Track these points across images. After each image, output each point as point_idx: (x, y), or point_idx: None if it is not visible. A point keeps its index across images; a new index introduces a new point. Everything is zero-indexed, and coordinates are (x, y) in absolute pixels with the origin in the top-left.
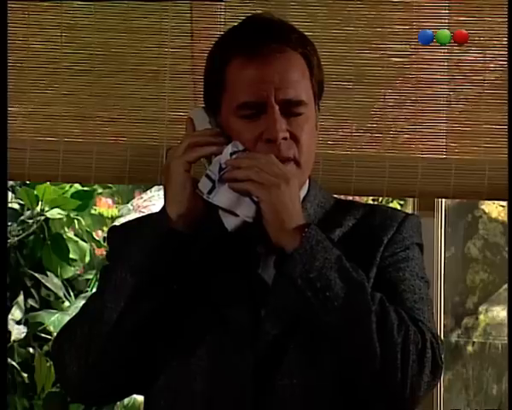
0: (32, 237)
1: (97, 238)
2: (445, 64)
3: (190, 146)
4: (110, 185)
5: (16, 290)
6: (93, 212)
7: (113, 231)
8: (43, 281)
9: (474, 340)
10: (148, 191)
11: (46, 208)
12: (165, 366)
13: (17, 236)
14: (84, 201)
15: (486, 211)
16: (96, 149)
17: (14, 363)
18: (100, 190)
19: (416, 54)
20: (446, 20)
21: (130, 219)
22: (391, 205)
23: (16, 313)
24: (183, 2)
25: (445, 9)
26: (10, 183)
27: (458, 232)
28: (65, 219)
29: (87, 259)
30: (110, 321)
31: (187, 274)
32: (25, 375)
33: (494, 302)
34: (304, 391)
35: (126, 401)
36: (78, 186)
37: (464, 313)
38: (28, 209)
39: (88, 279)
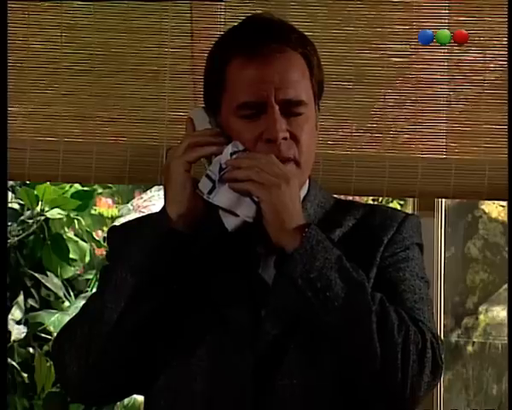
0: (31, 237)
1: (97, 238)
2: (445, 64)
3: (190, 146)
4: (110, 185)
5: (16, 290)
6: (93, 212)
7: (113, 231)
8: (43, 281)
9: (474, 340)
10: (148, 191)
11: (46, 208)
12: (165, 366)
13: (17, 236)
14: (84, 201)
15: (486, 211)
16: (95, 149)
17: (14, 363)
18: (100, 190)
19: (416, 54)
20: (446, 20)
21: (130, 219)
22: (391, 205)
23: (16, 313)
24: (183, 2)
25: (445, 9)
26: (10, 183)
27: (458, 232)
28: (65, 219)
29: (87, 259)
30: (110, 321)
31: (187, 274)
32: (25, 375)
33: (494, 302)
34: (304, 391)
35: (126, 401)
36: (78, 186)
37: (464, 313)
38: (28, 209)
39: (88, 279)
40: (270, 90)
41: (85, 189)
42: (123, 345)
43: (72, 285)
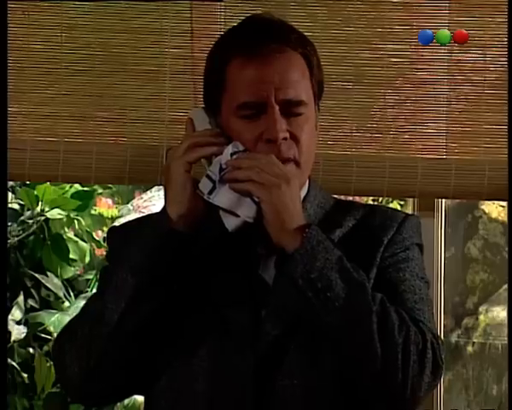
0: (32, 238)
1: (97, 238)
2: (445, 64)
3: (191, 146)
4: (110, 186)
5: (16, 291)
6: (93, 212)
7: (113, 231)
8: (43, 281)
9: (474, 340)
10: (148, 192)
11: (46, 209)
12: (166, 366)
13: (17, 236)
14: (84, 201)
15: (486, 211)
16: (95, 149)
17: (14, 363)
18: (100, 191)
19: (415, 54)
20: (446, 20)
21: (130, 219)
22: (391, 205)
23: (16, 314)
24: (183, 2)
25: (445, 9)
26: (10, 183)
27: (458, 232)
28: (65, 220)
29: (87, 259)
30: (111, 322)
31: (187, 275)
32: (25, 375)
33: (494, 303)
34: (304, 392)
35: (126, 401)
36: (78, 186)
37: (464, 314)
38: (28, 209)
39: (88, 280)
40: (270, 90)
41: (85, 189)
42: (123, 346)
43: (72, 285)
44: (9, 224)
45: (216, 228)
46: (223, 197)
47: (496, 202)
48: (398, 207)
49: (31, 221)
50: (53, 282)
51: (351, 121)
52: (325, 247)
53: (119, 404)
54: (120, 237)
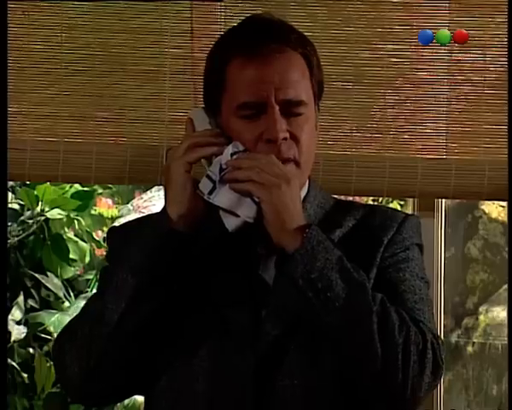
0: (32, 238)
1: (97, 239)
2: (445, 64)
3: (191, 147)
4: (110, 186)
5: (16, 291)
6: (93, 212)
7: (113, 231)
8: (43, 281)
9: (474, 340)
10: (149, 192)
11: (46, 209)
12: (166, 366)
13: (17, 236)
14: (84, 201)
15: (486, 211)
16: (95, 149)
17: (14, 363)
18: (100, 191)
19: (415, 54)
20: (446, 20)
21: (130, 219)
22: (391, 205)
23: (16, 314)
24: (183, 2)
25: (445, 9)
26: (10, 183)
27: (458, 233)
28: (65, 220)
29: (87, 259)
30: (111, 322)
31: (187, 275)
32: (25, 375)
33: (494, 303)
34: (305, 392)
35: (126, 401)
36: (78, 186)
37: (464, 314)
38: (28, 209)
39: (88, 280)
40: (270, 90)
41: (85, 189)
42: (123, 346)
43: (72, 286)
44: (9, 224)
45: (216, 228)
46: (223, 197)
47: (496, 202)
48: (398, 207)
49: (31, 221)
50: (53, 282)
51: (351, 121)
52: (325, 247)
53: (119, 404)
54: (120, 237)
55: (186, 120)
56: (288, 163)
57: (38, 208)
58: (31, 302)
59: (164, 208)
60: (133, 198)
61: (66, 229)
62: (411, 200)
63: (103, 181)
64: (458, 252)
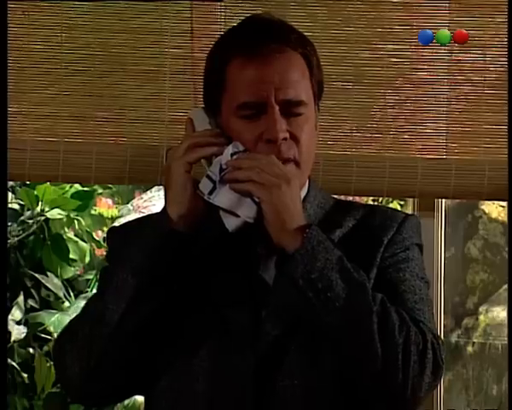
0: (32, 238)
1: (97, 239)
2: (445, 64)
3: (191, 147)
4: (110, 186)
5: (16, 291)
6: (93, 212)
7: (113, 231)
8: (43, 281)
9: (474, 340)
10: (149, 192)
11: (46, 209)
12: (166, 366)
13: (17, 236)
14: (84, 201)
15: (486, 211)
16: (95, 149)
17: (14, 363)
18: (100, 191)
19: (415, 54)
20: (446, 20)
21: (130, 219)
22: (391, 205)
23: (16, 314)
24: (183, 2)
25: (445, 9)
26: (10, 183)
27: (458, 233)
28: (65, 220)
29: (87, 259)
30: (111, 322)
31: (187, 275)
32: (25, 375)
33: (494, 303)
34: (305, 392)
35: (126, 401)
36: (78, 186)
37: (464, 314)
38: (28, 209)
39: (88, 280)
40: (270, 90)
41: (85, 189)
42: (124, 346)
43: (72, 286)
44: (9, 224)
45: (216, 228)
46: (223, 197)
47: (496, 202)
48: (398, 207)
49: (31, 221)
50: (53, 282)
51: (351, 121)
52: (325, 247)
53: (119, 404)
54: (120, 237)
55: (186, 120)
56: (288, 163)
57: (38, 208)
58: (31, 302)
59: (164, 208)
60: (133, 198)
61: (66, 229)
62: (411, 200)
63: (103, 181)
64: (458, 252)
